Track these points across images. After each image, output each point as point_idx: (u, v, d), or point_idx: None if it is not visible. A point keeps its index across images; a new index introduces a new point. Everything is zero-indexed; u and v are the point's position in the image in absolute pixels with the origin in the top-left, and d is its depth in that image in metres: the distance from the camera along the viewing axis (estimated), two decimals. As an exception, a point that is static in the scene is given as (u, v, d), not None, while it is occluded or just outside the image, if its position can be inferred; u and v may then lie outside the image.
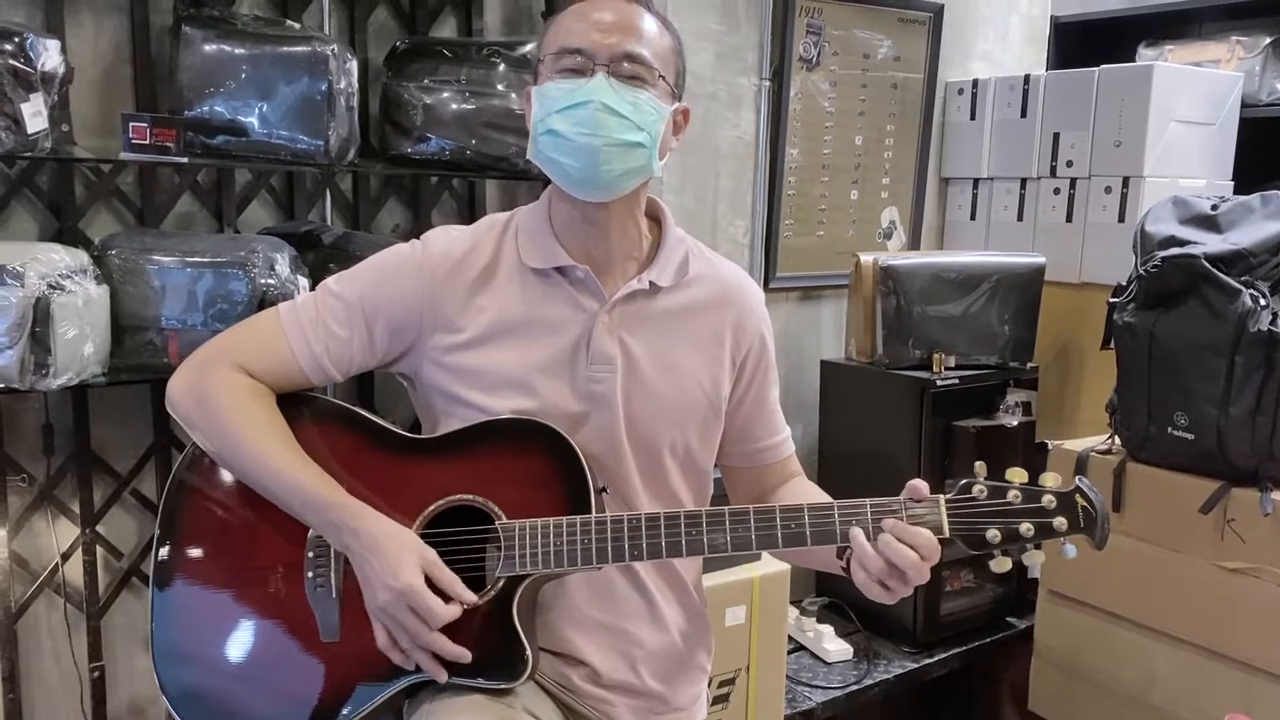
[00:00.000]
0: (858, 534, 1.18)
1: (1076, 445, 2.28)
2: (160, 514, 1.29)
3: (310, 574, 1.23)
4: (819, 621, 2.50)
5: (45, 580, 1.89)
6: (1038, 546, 1.18)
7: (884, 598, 1.20)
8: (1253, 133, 2.69)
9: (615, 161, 1.24)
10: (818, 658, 2.44)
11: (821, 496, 1.36)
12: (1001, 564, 1.19)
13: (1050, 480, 1.19)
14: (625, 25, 1.25)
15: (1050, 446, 2.33)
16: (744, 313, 1.41)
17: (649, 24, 1.27)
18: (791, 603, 2.30)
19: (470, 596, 1.19)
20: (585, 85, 1.23)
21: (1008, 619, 2.63)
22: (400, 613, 1.16)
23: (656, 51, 1.27)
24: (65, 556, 1.91)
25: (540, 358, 1.30)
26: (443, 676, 1.19)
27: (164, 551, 1.28)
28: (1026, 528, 1.17)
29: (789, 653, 2.29)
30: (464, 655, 1.18)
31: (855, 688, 2.33)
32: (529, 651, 1.20)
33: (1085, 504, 1.18)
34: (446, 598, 1.17)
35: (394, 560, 1.16)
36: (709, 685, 1.49)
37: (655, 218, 1.39)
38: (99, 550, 1.93)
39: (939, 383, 2.37)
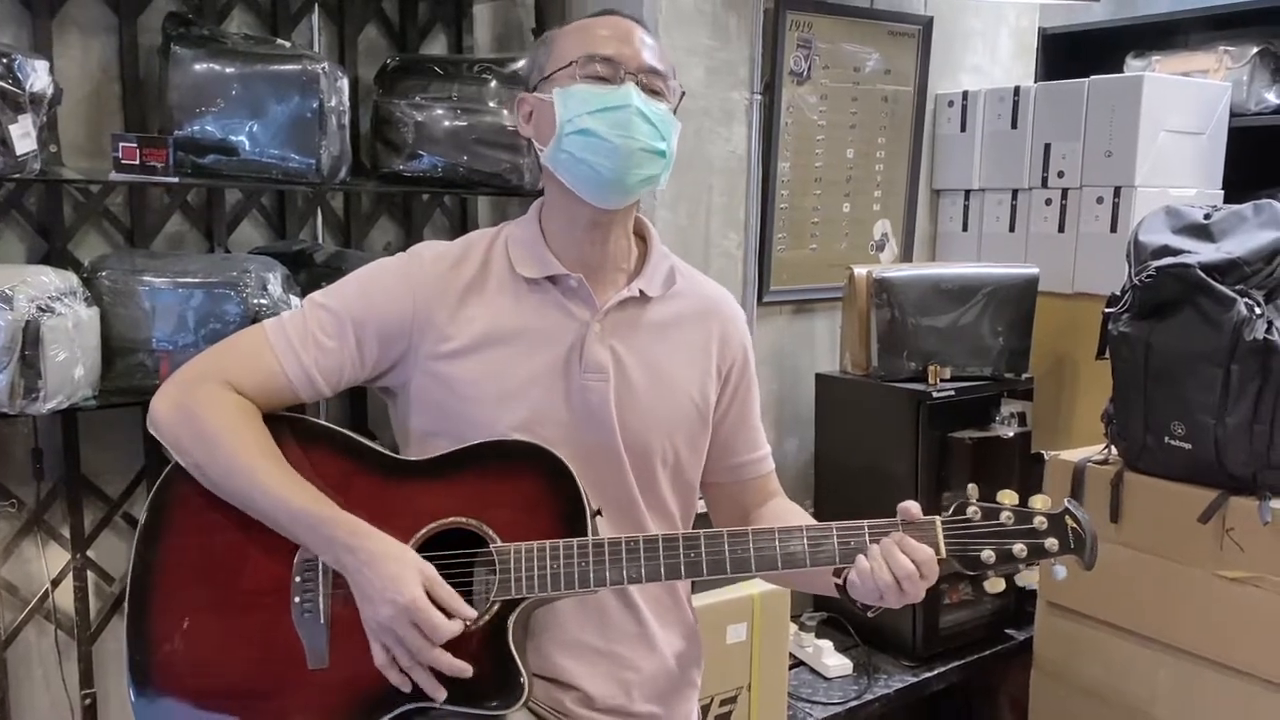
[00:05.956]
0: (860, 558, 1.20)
1: (1073, 456, 2.27)
2: (131, 569, 1.25)
3: (297, 599, 1.21)
4: (818, 637, 2.48)
5: (35, 607, 1.87)
6: (1030, 567, 1.22)
7: (879, 602, 1.21)
8: (1241, 142, 2.70)
9: (644, 167, 1.27)
10: (817, 673, 2.42)
11: (807, 518, 1.37)
12: (995, 584, 1.22)
13: (1039, 502, 1.23)
14: (646, 41, 1.30)
15: (1047, 457, 2.33)
16: (728, 326, 1.43)
17: (657, 44, 1.32)
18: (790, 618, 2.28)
19: (471, 612, 1.17)
20: (618, 90, 1.25)
21: (1007, 631, 2.62)
22: (403, 628, 1.14)
23: (668, 70, 1.31)
24: (55, 582, 1.89)
25: (533, 366, 1.29)
26: (441, 694, 1.17)
27: (137, 599, 1.24)
28: (1019, 548, 1.20)
29: (788, 669, 2.27)
30: (465, 669, 1.16)
31: (855, 703, 2.31)
32: (524, 676, 1.18)
33: (1075, 525, 1.21)
34: (447, 615, 1.16)
35: (395, 575, 1.15)
36: (711, 704, 1.48)
37: (640, 234, 1.41)
38: (90, 575, 1.91)
39: (935, 395, 2.36)
